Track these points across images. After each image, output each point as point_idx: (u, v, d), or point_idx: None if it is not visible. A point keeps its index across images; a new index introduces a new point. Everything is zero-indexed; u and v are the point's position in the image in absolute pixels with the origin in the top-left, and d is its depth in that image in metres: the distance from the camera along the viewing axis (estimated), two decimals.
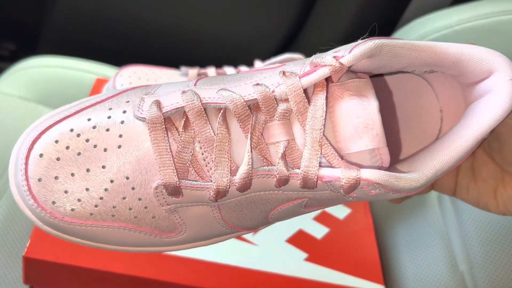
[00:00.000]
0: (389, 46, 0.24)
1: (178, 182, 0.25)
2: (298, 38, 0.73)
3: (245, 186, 0.25)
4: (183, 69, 0.46)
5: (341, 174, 0.24)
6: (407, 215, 0.50)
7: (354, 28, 0.67)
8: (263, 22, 0.72)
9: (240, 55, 0.72)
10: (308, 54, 0.50)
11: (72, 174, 0.25)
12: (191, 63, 0.49)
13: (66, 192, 0.25)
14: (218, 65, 0.47)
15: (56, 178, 0.25)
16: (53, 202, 0.25)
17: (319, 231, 0.45)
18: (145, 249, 0.29)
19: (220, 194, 0.25)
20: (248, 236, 0.42)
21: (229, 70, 0.45)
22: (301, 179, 0.24)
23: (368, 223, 0.47)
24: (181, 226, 0.27)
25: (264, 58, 0.48)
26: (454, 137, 0.26)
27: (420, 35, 0.55)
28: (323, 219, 0.46)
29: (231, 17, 0.71)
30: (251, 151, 0.24)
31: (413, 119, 0.30)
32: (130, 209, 0.26)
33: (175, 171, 0.25)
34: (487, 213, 0.45)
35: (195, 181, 0.25)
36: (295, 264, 0.42)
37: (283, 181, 0.25)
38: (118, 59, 0.63)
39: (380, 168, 0.25)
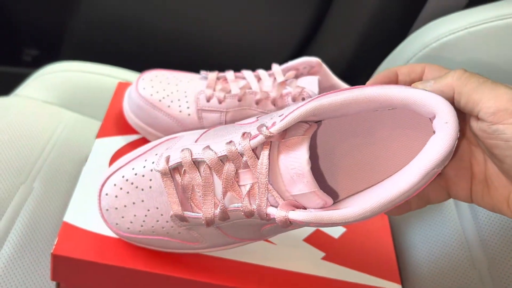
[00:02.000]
0: (326, 107, 0.30)
1: (182, 213, 0.35)
2: (314, 40, 0.74)
3: (224, 217, 0.33)
4: (203, 73, 0.48)
5: (276, 213, 0.31)
6: (423, 215, 0.51)
7: (369, 31, 0.68)
8: (280, 26, 0.73)
9: (259, 58, 0.73)
10: (324, 57, 0.51)
11: (125, 206, 0.37)
12: (210, 67, 0.50)
13: (122, 217, 0.37)
14: (237, 69, 0.48)
15: (116, 208, 0.37)
16: (116, 224, 0.37)
17: (336, 230, 0.46)
18: (180, 251, 0.39)
19: (209, 223, 0.34)
20: None
21: (247, 74, 0.47)
22: (257, 213, 0.32)
23: (384, 222, 0.48)
24: (200, 238, 0.37)
25: (281, 61, 0.49)
26: (398, 175, 0.30)
27: (434, 37, 0.55)
28: None
29: (249, 22, 0.73)
30: (225, 192, 0.33)
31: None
32: (163, 228, 0.36)
33: (179, 205, 0.35)
34: None
35: (193, 212, 0.35)
36: (313, 262, 0.43)
37: (249, 214, 0.32)
38: (138, 64, 0.65)
39: (324, 205, 0.31)
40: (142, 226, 0.37)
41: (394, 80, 0.34)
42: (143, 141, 0.48)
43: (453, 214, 0.49)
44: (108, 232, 0.40)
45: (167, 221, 0.36)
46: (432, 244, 0.48)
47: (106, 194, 0.37)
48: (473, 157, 0.33)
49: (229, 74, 0.47)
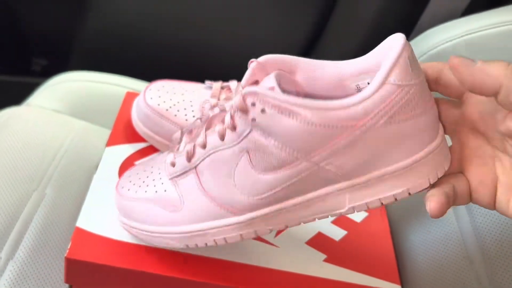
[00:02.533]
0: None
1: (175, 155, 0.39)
2: (317, 46, 0.75)
3: (203, 144, 0.36)
4: (208, 83, 0.50)
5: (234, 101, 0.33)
6: (421, 218, 0.52)
7: (370, 34, 0.70)
8: (283, 32, 0.74)
9: None
10: (327, 59, 0.52)
11: (137, 173, 0.42)
12: (216, 76, 0.52)
13: (130, 181, 0.41)
14: (240, 78, 0.50)
15: (129, 176, 0.42)
16: (122, 187, 0.41)
17: (337, 233, 0.48)
18: (161, 229, 0.39)
19: (189, 155, 0.37)
20: (269, 238, 0.45)
21: None
22: (234, 105, 0.33)
23: (384, 225, 0.49)
24: (180, 200, 0.37)
25: None
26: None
27: (431, 45, 0.57)
28: (341, 222, 0.49)
29: (251, 31, 0.74)
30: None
31: None
32: (154, 186, 0.39)
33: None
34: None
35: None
36: (315, 264, 0.44)
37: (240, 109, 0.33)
38: (146, 73, 0.67)
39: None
40: (140, 186, 0.40)
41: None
42: (151, 149, 0.50)
43: (451, 215, 0.50)
44: (119, 237, 0.42)
45: (160, 178, 0.39)
46: (431, 246, 0.49)
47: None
48: (500, 163, 0.32)
49: (233, 83, 0.49)
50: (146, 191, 0.39)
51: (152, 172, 0.41)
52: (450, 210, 0.51)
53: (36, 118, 0.61)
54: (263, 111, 0.31)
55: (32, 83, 0.73)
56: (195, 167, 0.37)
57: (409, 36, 0.67)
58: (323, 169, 0.32)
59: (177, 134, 0.42)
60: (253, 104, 0.31)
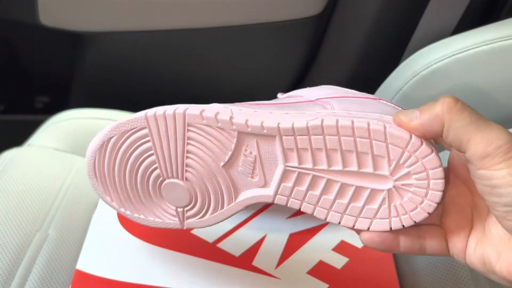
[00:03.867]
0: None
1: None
2: (308, 76, 0.76)
3: None
4: None
5: None
6: None
7: (358, 66, 0.71)
8: (275, 68, 0.75)
9: (256, 94, 0.76)
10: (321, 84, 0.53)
11: None
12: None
13: None
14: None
15: None
16: None
17: (339, 261, 0.47)
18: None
19: None
20: (270, 270, 0.45)
21: None
22: None
23: None
24: None
25: (285, 90, 0.51)
26: None
27: (424, 65, 0.57)
28: (342, 249, 0.48)
29: (245, 63, 0.76)
30: None
31: None
32: None
33: None
34: None
35: None
36: None
37: None
38: (144, 107, 0.68)
39: None
40: None
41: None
42: None
43: None
44: (120, 277, 0.42)
45: None
46: (435, 268, 0.49)
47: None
48: (476, 209, 0.31)
49: None
50: None
51: None
52: None
53: (37, 158, 0.62)
54: None
55: (36, 120, 0.74)
56: None
57: (398, 63, 0.67)
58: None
59: None
60: None
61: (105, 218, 0.46)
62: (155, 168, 0.35)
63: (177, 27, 0.71)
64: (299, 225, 0.49)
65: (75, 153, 0.64)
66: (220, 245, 0.46)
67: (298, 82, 0.77)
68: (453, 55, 0.56)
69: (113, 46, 0.77)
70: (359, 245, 0.49)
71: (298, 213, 0.50)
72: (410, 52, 0.64)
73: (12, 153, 0.63)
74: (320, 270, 0.46)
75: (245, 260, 0.45)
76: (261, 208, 0.50)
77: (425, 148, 0.29)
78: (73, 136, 0.66)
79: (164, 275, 0.42)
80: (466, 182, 0.32)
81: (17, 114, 0.89)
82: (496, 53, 0.53)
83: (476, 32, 0.57)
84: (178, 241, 0.46)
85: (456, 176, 0.33)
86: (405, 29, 0.65)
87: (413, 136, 0.29)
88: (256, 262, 0.45)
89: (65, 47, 0.83)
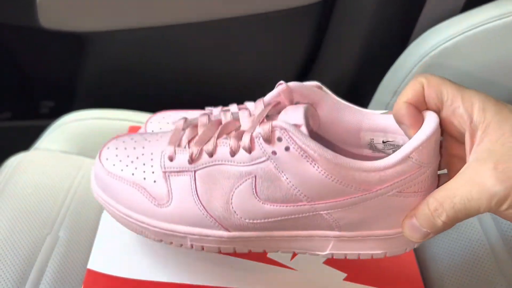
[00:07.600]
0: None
1: (175, 150, 0.36)
2: (312, 70, 0.75)
3: (211, 151, 0.34)
4: (208, 109, 0.49)
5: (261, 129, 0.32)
6: None
7: (362, 58, 0.69)
8: (279, 60, 0.74)
9: (260, 90, 0.75)
10: (326, 78, 0.52)
11: (125, 148, 0.39)
12: (216, 102, 0.52)
13: (116, 155, 0.39)
14: (240, 101, 0.49)
15: (116, 148, 0.39)
16: (106, 159, 0.39)
17: None
18: (140, 217, 0.37)
19: (193, 158, 0.35)
20: (285, 261, 0.44)
21: (250, 105, 0.48)
22: (246, 137, 0.33)
23: None
24: (169, 195, 0.36)
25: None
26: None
27: (433, 45, 0.55)
28: None
29: (248, 55, 0.75)
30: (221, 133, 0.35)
31: None
32: (143, 172, 0.37)
33: (176, 143, 0.37)
34: None
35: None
36: (335, 284, 0.43)
37: (238, 137, 0.34)
38: (149, 105, 0.67)
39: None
40: (127, 166, 0.38)
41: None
42: None
43: (474, 220, 0.48)
44: (131, 275, 0.41)
45: (151, 166, 0.37)
46: (455, 254, 0.47)
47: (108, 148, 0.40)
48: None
49: (233, 107, 0.48)
50: (133, 174, 0.37)
51: (143, 154, 0.38)
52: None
53: (44, 161, 0.61)
54: (287, 149, 0.31)
55: (42, 125, 0.74)
56: (195, 171, 0.35)
57: (406, 44, 0.66)
58: (321, 216, 0.34)
59: (180, 122, 0.39)
60: (280, 139, 0.32)
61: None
62: None
63: (178, 21, 0.70)
64: None
65: (82, 154, 0.64)
66: None
67: (305, 73, 0.76)
68: (463, 33, 0.54)
69: (114, 45, 0.76)
70: None
71: None
72: (418, 32, 0.63)
73: (19, 158, 0.62)
74: (337, 260, 0.44)
75: (260, 253, 0.44)
76: None
77: None
78: (79, 138, 0.66)
79: (177, 270, 0.41)
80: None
81: (24, 120, 0.88)
82: (507, 29, 0.52)
83: (485, 8, 0.55)
84: None
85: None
86: (412, 9, 0.64)
87: None
88: (271, 254, 0.44)
89: (67, 50, 0.82)
